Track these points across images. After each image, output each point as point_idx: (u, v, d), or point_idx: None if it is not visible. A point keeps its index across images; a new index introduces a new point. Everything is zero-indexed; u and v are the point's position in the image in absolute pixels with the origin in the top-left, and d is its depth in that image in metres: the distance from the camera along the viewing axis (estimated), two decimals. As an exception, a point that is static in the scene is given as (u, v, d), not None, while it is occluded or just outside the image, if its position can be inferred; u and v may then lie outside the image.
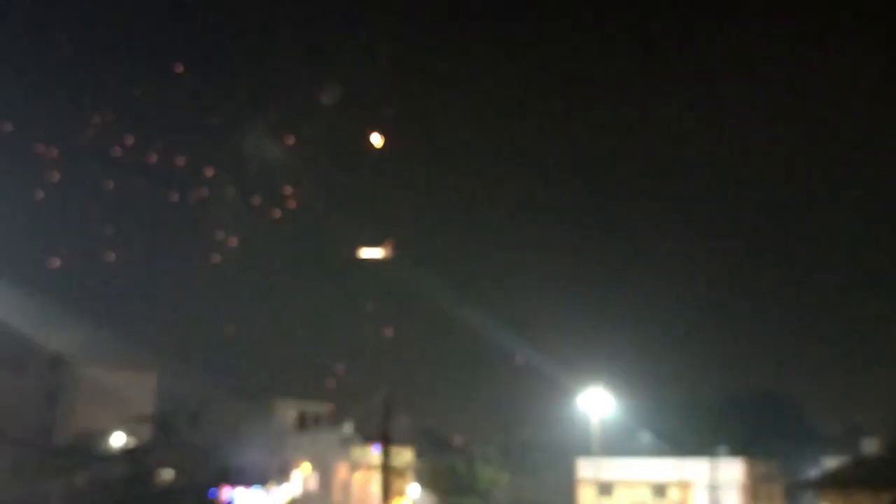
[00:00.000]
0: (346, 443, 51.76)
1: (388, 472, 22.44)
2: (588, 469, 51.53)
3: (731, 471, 48.00)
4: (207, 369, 68.47)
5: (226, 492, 41.63)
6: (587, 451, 46.06)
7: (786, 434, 56.03)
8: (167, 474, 43.54)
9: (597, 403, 41.96)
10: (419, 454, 61.47)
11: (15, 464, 45.05)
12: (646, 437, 52.91)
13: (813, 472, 51.29)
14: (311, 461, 48.15)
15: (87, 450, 50.37)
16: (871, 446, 41.55)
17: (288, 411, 48.28)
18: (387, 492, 22.63)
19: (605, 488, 52.35)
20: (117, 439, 54.96)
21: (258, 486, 42.72)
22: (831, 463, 47.17)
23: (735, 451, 50.78)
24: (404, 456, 57.92)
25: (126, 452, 51.04)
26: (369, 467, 24.41)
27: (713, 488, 40.60)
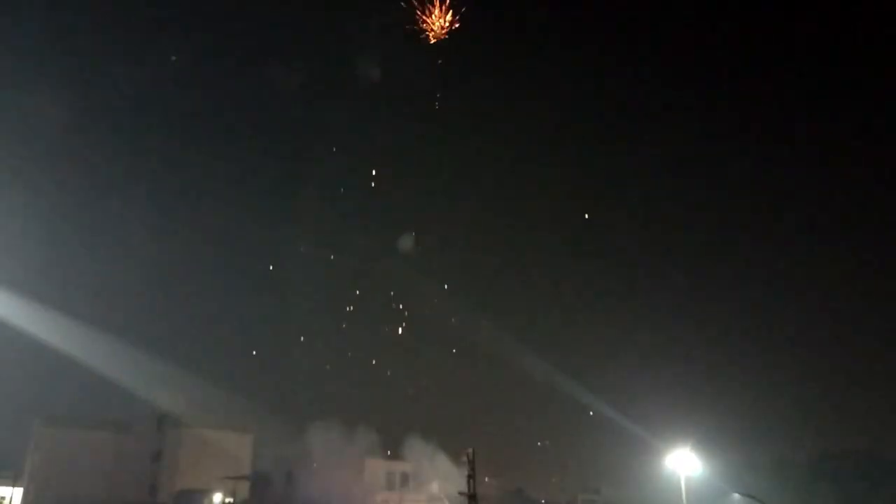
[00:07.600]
0: (433, 502, 52.51)
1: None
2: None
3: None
4: (303, 428, 70.77)
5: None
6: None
7: (885, 496, 53.82)
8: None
9: (685, 463, 41.74)
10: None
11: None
12: (735, 498, 51.61)
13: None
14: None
15: (190, 506, 52.68)
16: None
17: (377, 470, 49.64)
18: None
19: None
20: (217, 497, 57.26)
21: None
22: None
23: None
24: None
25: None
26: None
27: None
